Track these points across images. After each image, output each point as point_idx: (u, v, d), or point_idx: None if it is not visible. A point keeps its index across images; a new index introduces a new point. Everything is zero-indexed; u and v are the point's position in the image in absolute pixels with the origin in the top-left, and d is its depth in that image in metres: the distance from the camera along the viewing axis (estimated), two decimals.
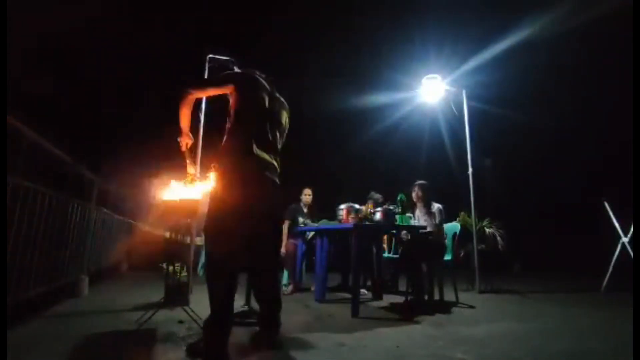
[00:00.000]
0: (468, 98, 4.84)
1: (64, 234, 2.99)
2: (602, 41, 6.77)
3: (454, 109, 4.90)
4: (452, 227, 3.77)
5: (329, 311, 3.02)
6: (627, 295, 3.34)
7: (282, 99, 2.21)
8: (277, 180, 2.05)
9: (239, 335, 2.22)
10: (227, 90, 2.01)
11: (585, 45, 6.90)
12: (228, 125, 2.00)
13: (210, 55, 3.28)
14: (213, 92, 2.08)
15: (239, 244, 1.83)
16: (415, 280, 3.35)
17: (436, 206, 3.73)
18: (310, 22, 7.55)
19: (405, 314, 2.97)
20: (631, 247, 4.22)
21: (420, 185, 3.84)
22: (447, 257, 3.63)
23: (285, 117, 2.21)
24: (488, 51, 6.29)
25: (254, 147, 1.91)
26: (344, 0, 7.71)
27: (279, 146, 2.15)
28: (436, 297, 3.47)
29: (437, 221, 3.66)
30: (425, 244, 3.49)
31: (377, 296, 3.73)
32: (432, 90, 4.86)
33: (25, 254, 2.30)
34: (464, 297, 3.68)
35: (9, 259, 2.07)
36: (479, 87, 5.55)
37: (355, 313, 2.82)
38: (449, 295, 3.56)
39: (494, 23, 6.58)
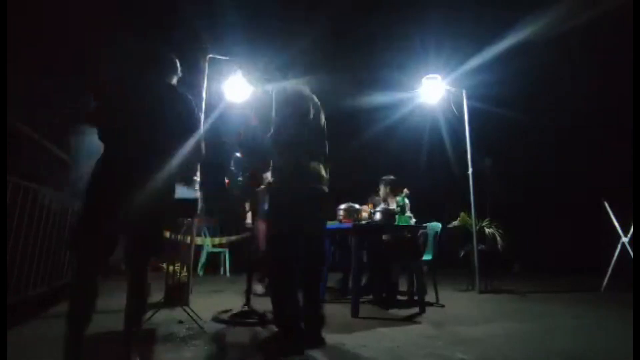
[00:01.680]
0: (468, 98, 4.84)
1: (64, 234, 2.99)
2: (603, 40, 6.77)
3: (454, 109, 4.90)
4: (434, 226, 3.74)
5: (329, 311, 3.02)
6: (627, 295, 3.34)
7: (318, 103, 2.25)
8: (326, 189, 2.15)
9: (240, 335, 2.23)
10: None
11: (586, 44, 6.90)
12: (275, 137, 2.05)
13: (210, 56, 3.28)
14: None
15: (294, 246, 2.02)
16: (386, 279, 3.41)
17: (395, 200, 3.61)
18: (310, 21, 7.54)
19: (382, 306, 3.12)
20: (631, 247, 4.22)
21: (386, 181, 3.84)
22: (427, 256, 3.61)
23: (324, 122, 2.27)
24: (488, 51, 6.28)
25: (307, 161, 2.04)
26: None
27: (326, 151, 2.25)
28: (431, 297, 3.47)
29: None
30: (398, 245, 3.47)
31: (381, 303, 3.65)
32: (432, 90, 4.86)
33: (25, 254, 2.30)
34: (464, 296, 3.68)
35: (9, 259, 2.07)
36: (479, 87, 5.54)
37: (355, 313, 2.82)
38: (444, 295, 3.56)
39: (495, 22, 6.57)
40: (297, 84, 2.18)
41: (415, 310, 3.05)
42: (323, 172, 2.13)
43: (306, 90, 2.21)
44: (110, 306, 2.95)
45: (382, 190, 3.96)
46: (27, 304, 2.38)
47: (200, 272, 5.69)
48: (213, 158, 2.37)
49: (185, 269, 3.04)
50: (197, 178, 3.51)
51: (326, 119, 2.33)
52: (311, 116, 2.13)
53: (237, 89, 4.01)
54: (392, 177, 4.01)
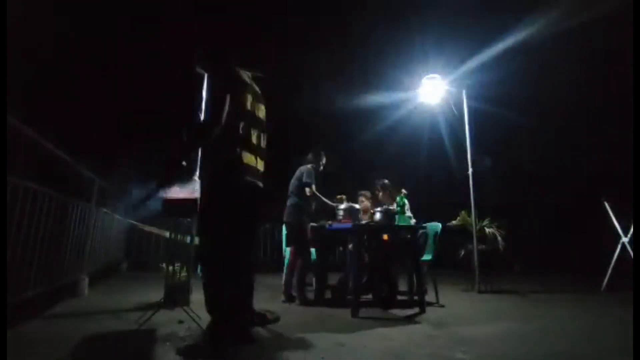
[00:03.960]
0: (468, 98, 4.84)
1: (64, 234, 2.98)
2: (603, 41, 6.76)
3: (454, 109, 4.90)
4: (433, 226, 3.73)
5: (328, 311, 3.02)
6: (627, 295, 3.34)
7: (258, 92, 2.19)
8: (260, 184, 2.15)
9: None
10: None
11: (586, 45, 6.90)
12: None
13: None
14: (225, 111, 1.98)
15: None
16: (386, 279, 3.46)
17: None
18: (309, 20, 7.54)
19: (382, 306, 3.17)
20: (631, 247, 4.22)
21: (384, 186, 3.97)
22: (427, 257, 3.61)
23: (263, 112, 2.21)
24: (488, 51, 6.27)
25: (242, 154, 1.98)
26: None
27: (263, 145, 2.18)
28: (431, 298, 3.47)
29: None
30: (397, 244, 3.47)
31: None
32: (432, 90, 4.85)
33: (25, 254, 2.30)
34: (463, 296, 3.68)
35: (9, 259, 2.07)
36: (480, 87, 5.54)
37: (355, 313, 2.82)
38: (444, 295, 3.55)
39: (495, 22, 6.57)
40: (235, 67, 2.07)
41: (415, 310, 3.05)
42: (260, 166, 2.11)
43: (244, 75, 2.10)
44: (110, 306, 2.96)
45: (381, 194, 3.98)
46: (27, 304, 2.38)
47: (200, 272, 5.68)
48: None
49: (185, 269, 3.04)
50: (197, 178, 3.51)
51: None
52: (248, 106, 2.04)
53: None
54: (386, 180, 4.06)
